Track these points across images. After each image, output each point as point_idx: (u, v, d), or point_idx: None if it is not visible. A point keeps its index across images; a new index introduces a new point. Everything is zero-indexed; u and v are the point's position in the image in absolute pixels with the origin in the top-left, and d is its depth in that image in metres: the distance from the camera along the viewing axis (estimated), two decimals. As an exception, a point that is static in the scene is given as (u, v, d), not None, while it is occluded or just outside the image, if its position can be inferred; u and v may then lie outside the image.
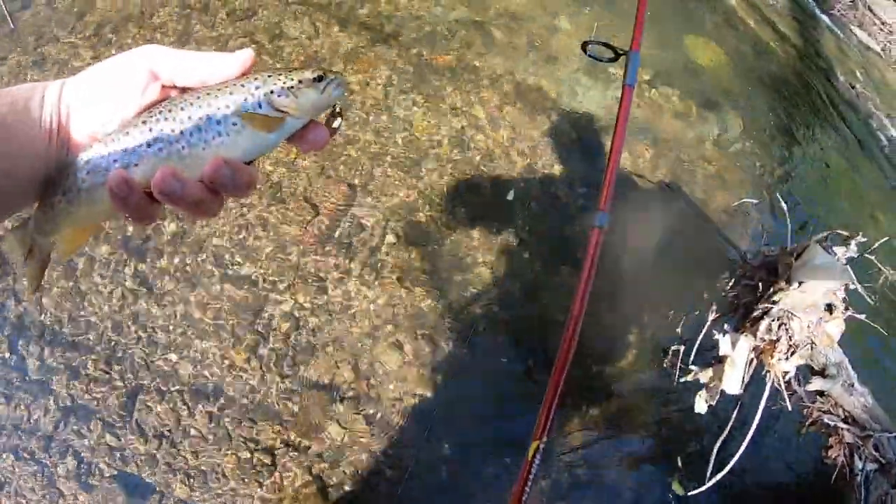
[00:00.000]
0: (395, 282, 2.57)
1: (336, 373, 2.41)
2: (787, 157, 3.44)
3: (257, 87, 0.60)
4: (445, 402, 2.40)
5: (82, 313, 2.45)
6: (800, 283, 1.92)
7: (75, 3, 3.11)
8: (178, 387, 2.36)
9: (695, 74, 3.53)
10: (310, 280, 2.54)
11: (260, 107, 0.59)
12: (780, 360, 2.03)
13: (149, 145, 0.58)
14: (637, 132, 3.20)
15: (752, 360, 2.06)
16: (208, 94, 0.59)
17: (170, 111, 0.58)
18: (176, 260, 2.53)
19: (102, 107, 0.59)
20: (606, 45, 1.62)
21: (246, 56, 0.60)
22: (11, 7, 3.04)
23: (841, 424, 2.27)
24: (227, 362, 2.39)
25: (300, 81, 0.61)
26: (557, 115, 3.12)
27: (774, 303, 1.92)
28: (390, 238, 2.65)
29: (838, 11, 4.28)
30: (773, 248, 2.07)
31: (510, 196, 2.86)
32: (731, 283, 2.09)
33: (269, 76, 0.61)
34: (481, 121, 2.98)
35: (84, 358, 2.38)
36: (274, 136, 0.60)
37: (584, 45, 1.64)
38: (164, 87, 0.61)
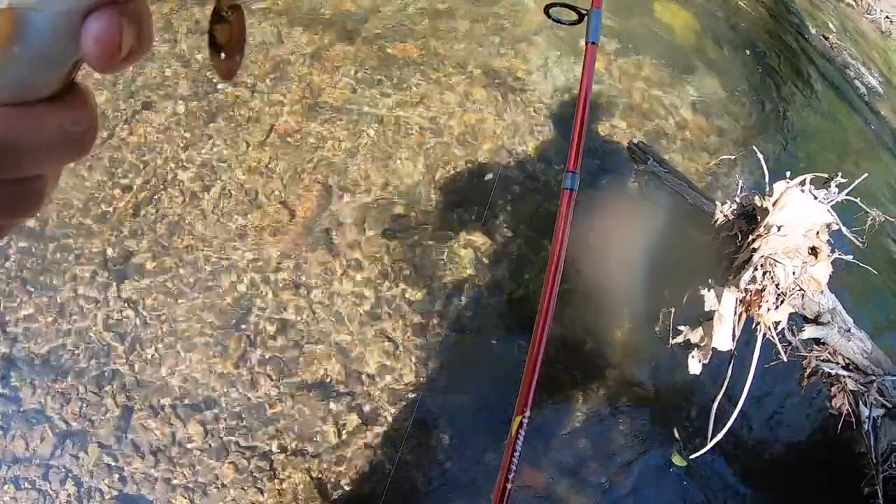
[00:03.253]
0: (378, 275, 2.56)
1: (327, 371, 2.39)
2: (765, 114, 3.40)
3: None
4: (439, 390, 2.38)
5: (70, 338, 2.44)
6: (779, 228, 1.89)
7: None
8: (170, 401, 2.34)
9: (665, 41, 3.51)
10: (293, 282, 2.52)
11: None
12: (768, 310, 1.99)
13: None
14: (611, 104, 3.17)
15: (740, 313, 2.02)
16: None
17: None
18: (158, 275, 2.53)
19: None
20: (569, 5, 1.59)
21: None
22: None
23: (842, 372, 2.23)
24: (216, 372, 2.38)
25: None
26: (529, 93, 3.11)
27: (755, 250, 1.88)
28: (370, 232, 2.64)
29: (807, -34, 4.25)
30: (750, 196, 2.04)
31: (487, 178, 2.84)
32: (711, 237, 2.06)
33: None
34: (452, 106, 2.97)
35: (75, 382, 2.37)
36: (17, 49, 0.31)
37: (546, 9, 1.62)
38: None
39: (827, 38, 3.86)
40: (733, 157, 2.61)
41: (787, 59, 3.76)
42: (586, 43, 1.61)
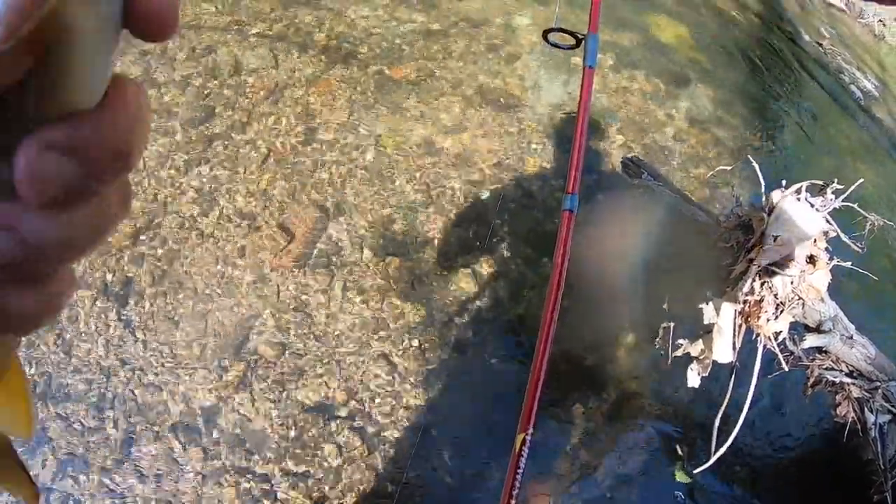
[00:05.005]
0: (377, 296, 2.55)
1: (327, 393, 2.38)
2: (762, 123, 3.41)
3: None
4: (439, 409, 2.37)
5: (71, 362, 2.45)
6: (775, 238, 1.88)
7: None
8: (170, 425, 2.34)
9: (658, 53, 3.52)
10: (292, 304, 2.53)
11: None
12: (768, 320, 1.98)
13: None
14: (606, 118, 3.18)
15: (739, 324, 2.00)
16: None
17: None
18: (158, 300, 2.53)
19: None
20: (566, 31, 1.62)
21: None
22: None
23: (846, 379, 2.20)
24: (217, 395, 2.38)
25: None
26: (523, 111, 3.12)
27: (751, 261, 1.87)
28: (368, 254, 2.64)
29: (798, -26, 4.27)
30: (747, 206, 2.03)
31: (485, 196, 2.84)
32: (708, 249, 2.05)
33: None
34: (447, 126, 2.99)
35: (76, 406, 2.37)
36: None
37: (544, 35, 1.65)
38: None
39: (820, 44, 3.87)
40: (730, 168, 2.61)
41: (782, 66, 3.77)
42: (583, 67, 1.63)
